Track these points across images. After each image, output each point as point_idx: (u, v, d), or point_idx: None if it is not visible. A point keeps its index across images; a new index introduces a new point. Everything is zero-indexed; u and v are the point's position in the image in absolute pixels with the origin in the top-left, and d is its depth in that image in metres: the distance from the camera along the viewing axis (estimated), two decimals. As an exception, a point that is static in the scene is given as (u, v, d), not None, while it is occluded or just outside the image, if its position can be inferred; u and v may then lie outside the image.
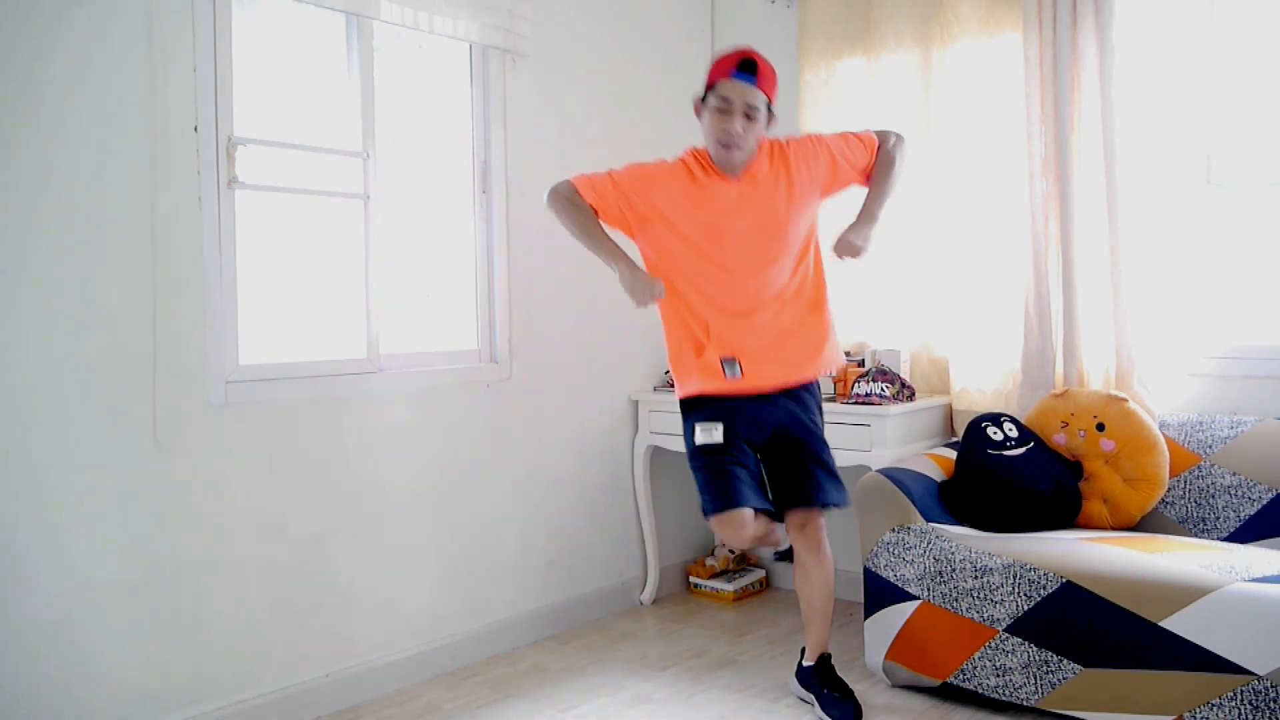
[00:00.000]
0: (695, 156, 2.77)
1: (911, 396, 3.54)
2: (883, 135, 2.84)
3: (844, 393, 3.59)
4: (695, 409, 2.81)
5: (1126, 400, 3.18)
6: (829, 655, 2.95)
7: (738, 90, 2.62)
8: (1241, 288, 3.30)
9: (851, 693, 2.89)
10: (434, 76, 3.43)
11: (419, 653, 3.22)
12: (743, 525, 2.70)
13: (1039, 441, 3.23)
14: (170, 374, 2.64)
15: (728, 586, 4.02)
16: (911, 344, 3.79)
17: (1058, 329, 3.41)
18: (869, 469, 3.31)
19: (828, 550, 2.91)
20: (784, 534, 2.90)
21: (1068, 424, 3.23)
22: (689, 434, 2.80)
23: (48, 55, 2.42)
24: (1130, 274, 3.28)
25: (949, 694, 2.94)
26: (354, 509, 3.06)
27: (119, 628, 2.56)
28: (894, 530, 2.99)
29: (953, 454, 3.30)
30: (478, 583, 3.42)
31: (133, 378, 2.58)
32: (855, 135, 2.84)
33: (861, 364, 3.65)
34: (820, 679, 2.92)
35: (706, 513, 2.75)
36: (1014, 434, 3.20)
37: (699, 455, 2.77)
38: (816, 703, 2.90)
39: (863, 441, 3.41)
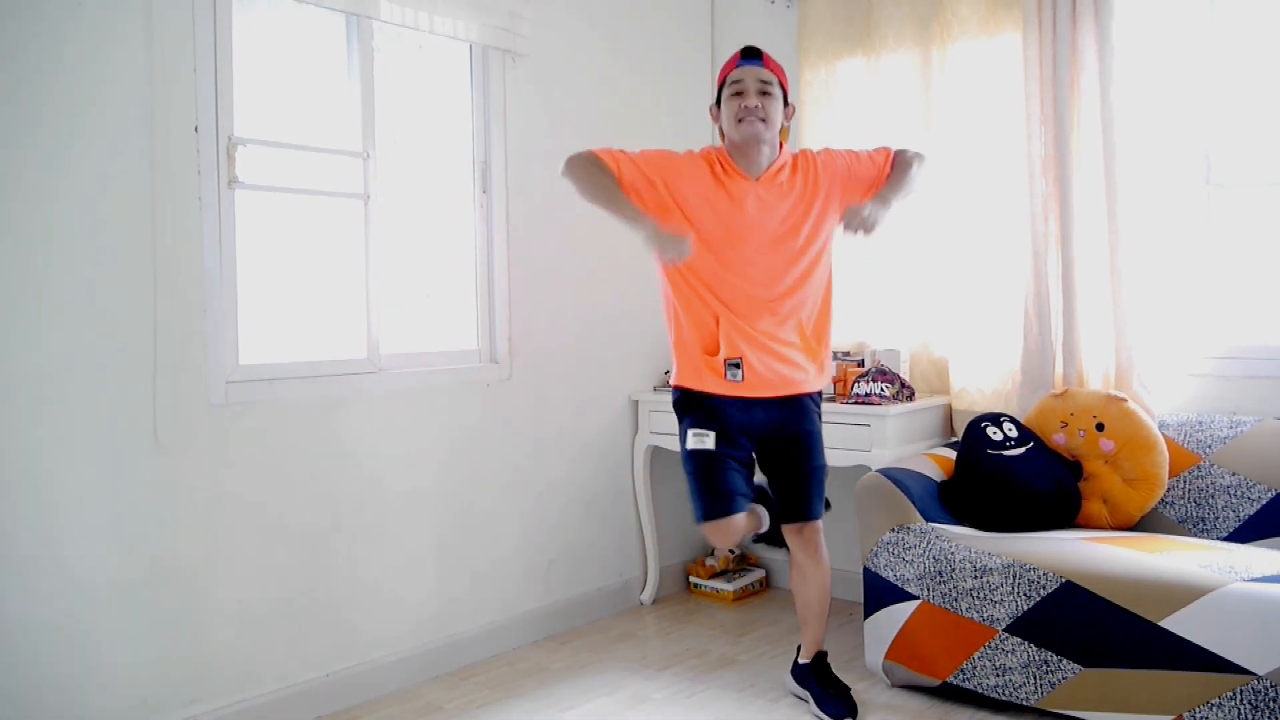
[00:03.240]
0: (718, 155, 2.74)
1: (911, 396, 3.54)
2: (900, 150, 2.86)
3: (844, 393, 3.59)
4: (690, 410, 2.80)
5: (1126, 400, 3.18)
6: (825, 653, 2.97)
7: (747, 72, 2.69)
8: (1241, 288, 3.30)
9: (848, 690, 2.91)
10: (434, 76, 3.43)
11: (419, 653, 3.22)
12: (734, 531, 2.76)
13: (1039, 441, 3.23)
14: (170, 374, 2.64)
15: (728, 586, 4.03)
16: (911, 344, 3.79)
17: (1058, 329, 3.41)
18: (869, 469, 3.31)
19: (825, 553, 2.94)
20: (764, 516, 2.94)
21: (1067, 424, 3.23)
22: (683, 436, 2.81)
23: (48, 56, 2.42)
24: (1130, 274, 3.28)
25: (949, 694, 2.94)
26: (354, 509, 3.07)
27: (119, 627, 2.56)
28: (894, 530, 2.99)
29: (953, 454, 3.30)
30: (477, 582, 3.42)
31: (133, 378, 2.58)
32: (869, 153, 2.85)
33: (861, 364, 3.65)
34: (817, 677, 2.93)
35: (699, 519, 2.76)
36: (1014, 434, 3.20)
37: (692, 459, 2.78)
38: (812, 700, 2.91)
39: (863, 441, 3.41)
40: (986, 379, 3.61)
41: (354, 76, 3.12)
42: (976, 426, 3.22)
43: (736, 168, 2.71)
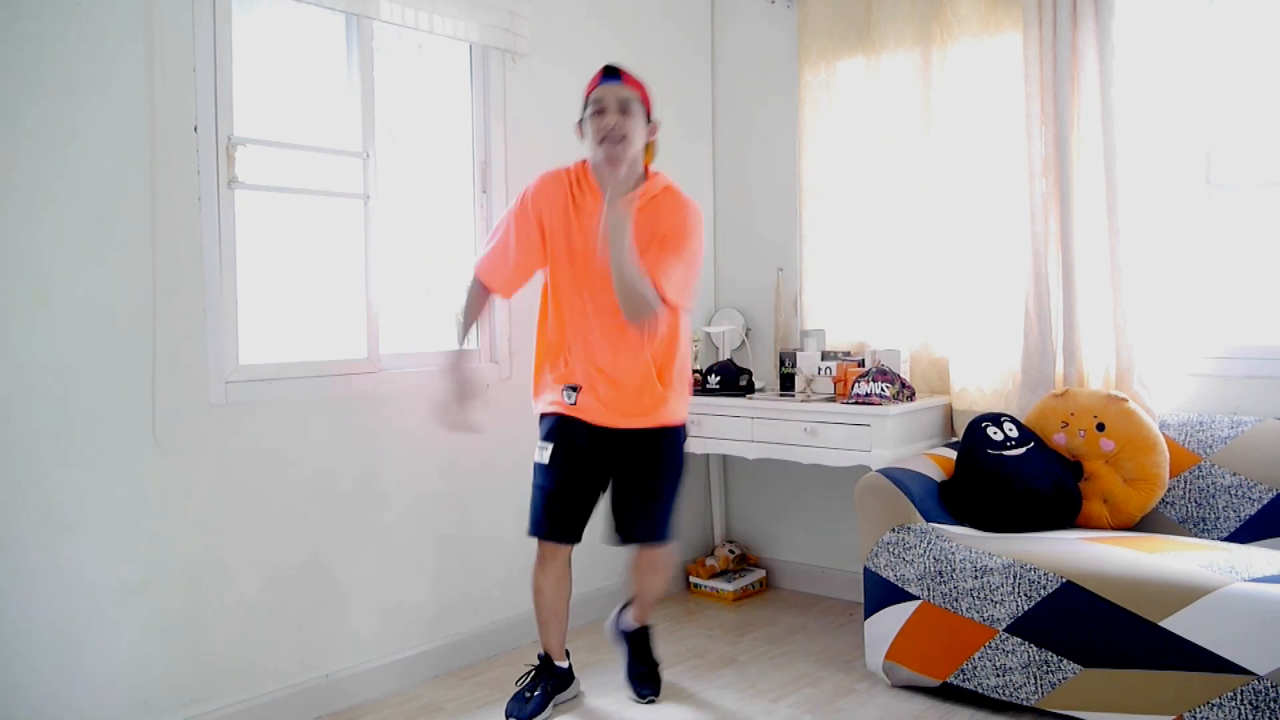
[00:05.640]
0: (578, 171, 2.85)
1: (911, 396, 3.54)
2: (662, 298, 2.70)
3: (844, 393, 3.59)
4: (542, 420, 2.94)
5: (1126, 400, 3.18)
6: (649, 627, 3.12)
7: (607, 90, 2.75)
8: (1241, 288, 3.30)
9: (656, 672, 3.08)
10: (434, 76, 3.43)
11: (419, 653, 3.22)
12: (551, 557, 2.91)
13: (1039, 441, 3.23)
14: (170, 374, 2.64)
15: (728, 586, 4.02)
16: (911, 344, 3.79)
17: (1058, 329, 3.41)
18: (869, 469, 3.31)
19: (665, 564, 3.05)
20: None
21: (1068, 424, 3.23)
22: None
23: (48, 55, 2.42)
24: (1130, 274, 3.28)
25: (949, 694, 2.94)
26: (354, 509, 3.06)
27: (119, 628, 2.56)
28: (894, 530, 2.99)
29: (953, 454, 3.30)
30: (477, 583, 3.42)
31: (133, 378, 2.58)
32: (664, 262, 2.71)
33: (861, 364, 3.64)
34: (634, 648, 3.12)
35: (530, 532, 2.92)
36: (1014, 434, 3.20)
37: (535, 473, 2.91)
38: (624, 665, 3.11)
39: (863, 441, 3.41)
40: (987, 379, 3.61)
41: (354, 76, 3.12)
42: (977, 426, 3.22)
43: (594, 186, 2.80)
